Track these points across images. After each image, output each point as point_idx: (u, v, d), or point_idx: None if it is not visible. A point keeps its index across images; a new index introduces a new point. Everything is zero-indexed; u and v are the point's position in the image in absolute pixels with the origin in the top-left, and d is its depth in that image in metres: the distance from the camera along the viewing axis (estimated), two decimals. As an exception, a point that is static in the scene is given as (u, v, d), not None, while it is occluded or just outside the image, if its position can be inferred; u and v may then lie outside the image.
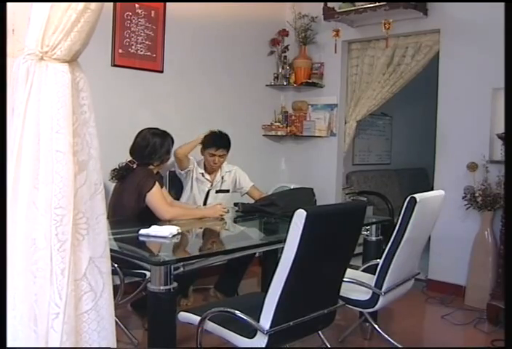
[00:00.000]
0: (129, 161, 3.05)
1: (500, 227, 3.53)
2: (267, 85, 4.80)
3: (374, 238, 3.23)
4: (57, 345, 1.30)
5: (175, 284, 2.08)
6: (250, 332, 1.99)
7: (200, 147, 3.73)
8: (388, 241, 2.58)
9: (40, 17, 1.31)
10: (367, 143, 5.98)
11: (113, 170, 3.03)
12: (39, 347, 1.31)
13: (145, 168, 3.04)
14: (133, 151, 3.10)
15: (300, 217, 1.85)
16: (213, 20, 4.28)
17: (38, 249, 1.31)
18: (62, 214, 1.31)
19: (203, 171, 3.76)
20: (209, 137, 3.70)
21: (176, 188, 3.82)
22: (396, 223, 2.54)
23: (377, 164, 6.15)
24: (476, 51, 3.82)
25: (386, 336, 2.96)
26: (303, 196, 3.47)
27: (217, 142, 3.66)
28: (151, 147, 3.06)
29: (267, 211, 3.20)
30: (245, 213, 3.29)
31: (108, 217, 1.48)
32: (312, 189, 3.59)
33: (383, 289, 2.56)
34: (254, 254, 3.43)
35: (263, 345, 1.97)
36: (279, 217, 3.12)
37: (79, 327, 1.36)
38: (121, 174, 3.01)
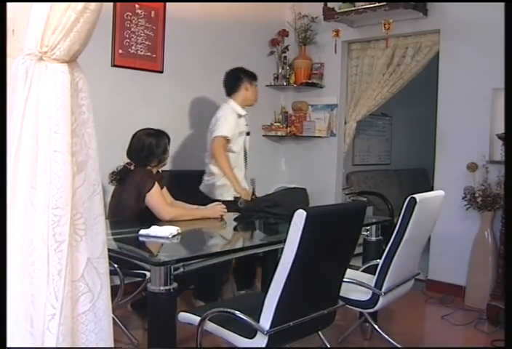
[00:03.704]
0: (126, 163, 3.05)
1: (499, 227, 3.53)
2: (267, 85, 4.79)
3: (374, 239, 3.22)
4: (53, 346, 1.29)
5: (175, 284, 2.08)
6: (250, 332, 1.99)
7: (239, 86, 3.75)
8: (388, 241, 2.58)
9: (39, 17, 1.31)
10: (367, 143, 5.98)
11: (112, 173, 3.02)
12: (35, 347, 1.31)
13: (144, 168, 3.04)
14: (130, 154, 3.08)
15: (300, 217, 1.85)
16: (213, 20, 4.28)
17: (35, 249, 1.30)
18: (60, 215, 1.31)
19: (246, 112, 3.76)
20: (247, 70, 3.81)
21: (175, 188, 3.80)
22: (396, 223, 2.54)
23: (377, 164, 6.15)
24: (476, 52, 3.82)
25: (386, 336, 2.96)
26: (301, 196, 3.45)
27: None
28: (147, 148, 3.04)
29: (273, 213, 3.12)
30: (245, 212, 3.23)
31: (108, 218, 1.49)
32: (305, 189, 3.56)
33: (383, 289, 2.56)
34: (232, 260, 3.30)
35: (263, 345, 1.97)
36: (283, 218, 3.07)
37: (76, 328, 1.36)
38: (120, 177, 3.01)
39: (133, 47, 3.81)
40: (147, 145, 3.04)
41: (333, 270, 2.17)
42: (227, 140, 3.56)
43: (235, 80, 3.75)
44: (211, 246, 2.82)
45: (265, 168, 4.84)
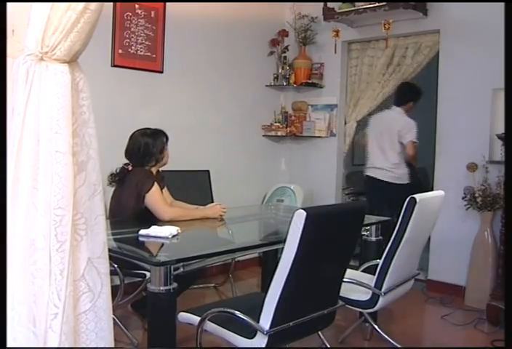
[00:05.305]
0: (124, 164, 3.04)
1: (499, 227, 3.53)
2: (267, 85, 4.80)
3: (373, 239, 3.22)
4: (56, 345, 1.30)
5: (175, 284, 2.08)
6: (250, 332, 1.99)
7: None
8: (388, 241, 2.58)
9: (40, 17, 1.31)
10: (367, 143, 5.95)
11: (110, 175, 3.01)
12: (38, 347, 1.31)
13: (142, 169, 3.03)
14: (128, 155, 3.07)
15: (299, 217, 1.85)
16: (213, 21, 4.28)
17: (37, 249, 1.31)
18: (62, 215, 1.31)
19: None
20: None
21: (176, 188, 3.79)
22: (396, 223, 2.54)
23: (377, 164, 6.12)
24: (476, 52, 3.82)
25: (386, 336, 2.96)
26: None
27: None
28: (143, 149, 3.02)
29: None
30: None
31: (108, 219, 1.49)
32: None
33: (383, 289, 2.56)
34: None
35: (263, 345, 1.97)
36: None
37: (77, 327, 1.36)
38: (119, 178, 3.00)
39: (133, 47, 3.80)
40: (143, 146, 3.03)
41: (333, 270, 2.17)
42: None
43: (411, 94, 4.15)
44: (211, 246, 2.82)
45: (265, 168, 4.85)
